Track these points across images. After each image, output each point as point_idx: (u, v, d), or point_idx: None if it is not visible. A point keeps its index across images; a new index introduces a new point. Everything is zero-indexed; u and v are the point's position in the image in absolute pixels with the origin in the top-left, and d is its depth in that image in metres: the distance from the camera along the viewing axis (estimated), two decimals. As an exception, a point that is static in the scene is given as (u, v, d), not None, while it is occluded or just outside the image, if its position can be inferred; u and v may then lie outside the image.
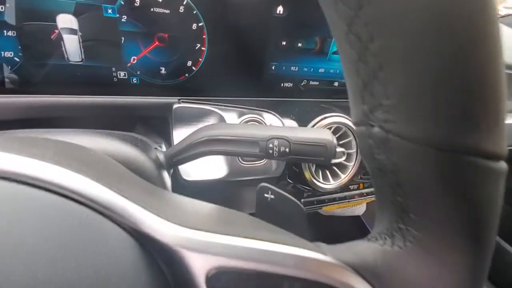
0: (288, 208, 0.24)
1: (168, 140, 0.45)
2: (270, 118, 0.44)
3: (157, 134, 0.46)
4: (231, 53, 0.44)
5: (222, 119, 0.43)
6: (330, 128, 0.46)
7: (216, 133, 0.27)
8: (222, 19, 0.41)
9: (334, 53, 0.49)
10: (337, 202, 0.56)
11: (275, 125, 0.43)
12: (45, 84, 0.38)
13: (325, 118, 0.45)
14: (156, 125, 0.47)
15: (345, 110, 0.50)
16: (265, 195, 0.25)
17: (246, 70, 0.45)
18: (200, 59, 0.43)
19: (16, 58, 0.36)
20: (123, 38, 0.38)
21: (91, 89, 0.40)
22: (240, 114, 0.43)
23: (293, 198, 0.25)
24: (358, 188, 0.58)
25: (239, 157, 0.42)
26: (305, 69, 0.49)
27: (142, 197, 0.15)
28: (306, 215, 0.25)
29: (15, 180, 0.12)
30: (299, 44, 0.46)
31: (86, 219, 0.12)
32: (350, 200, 0.58)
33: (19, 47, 0.35)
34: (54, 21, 0.34)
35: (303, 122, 0.45)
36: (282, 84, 0.49)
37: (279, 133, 0.27)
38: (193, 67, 0.43)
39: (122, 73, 0.40)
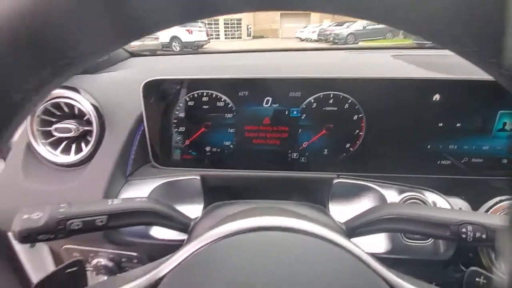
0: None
1: None
2: (432, 197, 0.45)
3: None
4: (386, 135, 0.49)
5: (381, 196, 0.46)
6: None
7: (404, 212, 0.31)
8: (380, 109, 0.48)
9: (500, 130, 0.47)
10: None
11: (457, 209, 0.42)
12: (244, 162, 0.53)
13: (501, 201, 0.42)
14: (312, 197, 0.55)
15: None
16: (477, 279, 0.26)
17: (400, 149, 0.49)
18: (357, 142, 0.50)
19: (231, 146, 0.53)
20: (300, 129, 0.51)
21: (271, 166, 0.53)
22: (400, 192, 0.46)
23: None
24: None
25: (403, 234, 0.43)
26: (466, 147, 0.48)
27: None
28: None
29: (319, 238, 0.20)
30: (458, 125, 0.47)
31: (365, 273, 0.19)
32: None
33: (234, 139, 0.52)
34: (261, 123, 0.51)
35: (475, 203, 0.43)
36: (439, 162, 0.49)
37: (471, 218, 0.28)
38: (350, 148, 0.51)
39: (294, 154, 0.52)
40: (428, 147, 0.49)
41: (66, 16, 0.12)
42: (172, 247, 0.50)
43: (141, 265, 0.42)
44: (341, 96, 0.48)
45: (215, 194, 0.52)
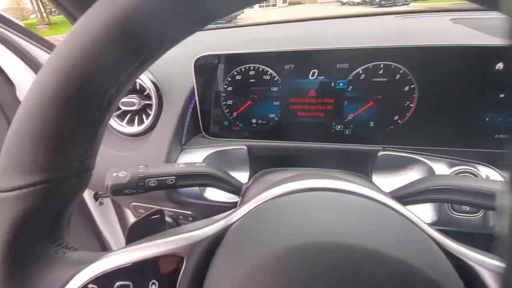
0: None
1: None
2: (486, 172, 0.43)
3: None
4: (439, 107, 0.47)
5: (430, 169, 0.46)
6: None
7: (453, 183, 0.31)
8: (435, 79, 0.46)
9: None
10: None
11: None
12: (288, 134, 0.55)
13: None
14: (355, 168, 0.56)
15: None
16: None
17: (455, 122, 0.47)
18: (407, 114, 0.49)
19: (276, 118, 0.55)
20: (346, 102, 0.51)
21: (314, 138, 0.54)
22: (451, 165, 0.45)
23: None
24: None
25: (450, 206, 0.43)
26: (529, 120, 0.45)
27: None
28: None
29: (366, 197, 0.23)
30: (524, 95, 0.44)
31: (415, 230, 0.21)
32: None
33: (279, 111, 0.55)
34: (306, 96, 0.52)
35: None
36: (496, 136, 0.47)
37: None
38: (399, 121, 0.50)
39: (338, 127, 0.53)
40: (487, 119, 0.46)
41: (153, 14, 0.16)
42: (223, 208, 0.56)
43: None
44: (392, 66, 0.46)
45: (261, 163, 0.56)
